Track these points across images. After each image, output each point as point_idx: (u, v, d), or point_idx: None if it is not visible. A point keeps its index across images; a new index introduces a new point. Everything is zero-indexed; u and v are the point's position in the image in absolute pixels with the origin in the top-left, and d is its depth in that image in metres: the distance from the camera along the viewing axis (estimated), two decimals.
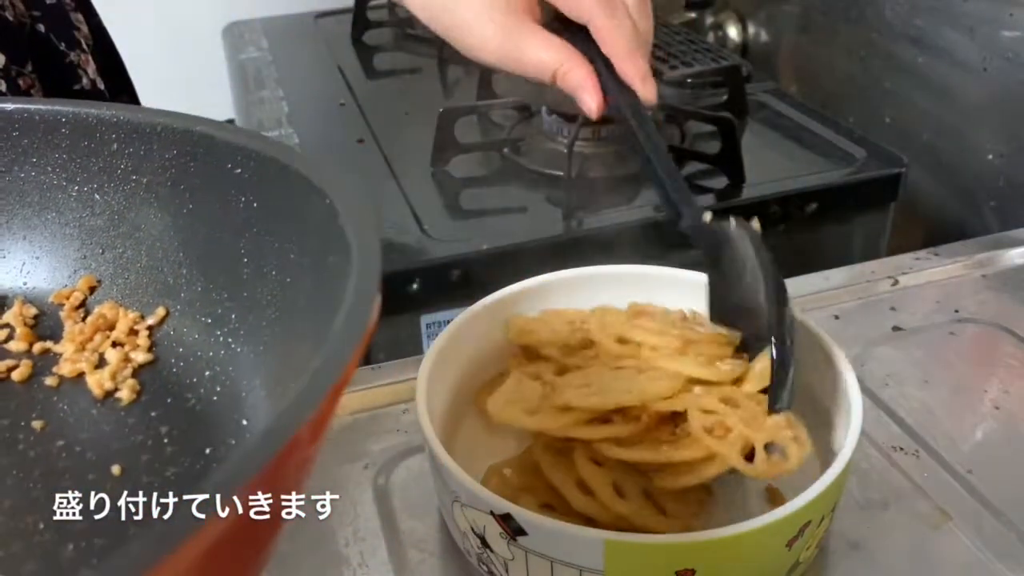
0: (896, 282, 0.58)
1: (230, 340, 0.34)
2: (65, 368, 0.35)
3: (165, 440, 0.32)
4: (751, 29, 1.05)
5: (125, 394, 0.34)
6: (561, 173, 0.68)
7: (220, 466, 0.28)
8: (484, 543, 0.36)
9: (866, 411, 0.38)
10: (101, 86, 0.62)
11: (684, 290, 0.46)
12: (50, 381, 0.35)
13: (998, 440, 0.45)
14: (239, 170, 0.33)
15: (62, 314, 0.37)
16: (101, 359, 0.36)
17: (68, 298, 0.37)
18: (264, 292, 0.32)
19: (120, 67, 0.70)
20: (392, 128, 0.81)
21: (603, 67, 0.46)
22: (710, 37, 1.07)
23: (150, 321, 0.36)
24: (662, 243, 0.66)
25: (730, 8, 1.07)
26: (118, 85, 0.69)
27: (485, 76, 0.84)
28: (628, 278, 0.47)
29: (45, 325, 0.37)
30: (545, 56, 0.45)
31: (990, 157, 0.75)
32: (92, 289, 0.37)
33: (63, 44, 0.60)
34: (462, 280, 0.61)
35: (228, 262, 0.34)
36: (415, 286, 0.61)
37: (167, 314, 0.36)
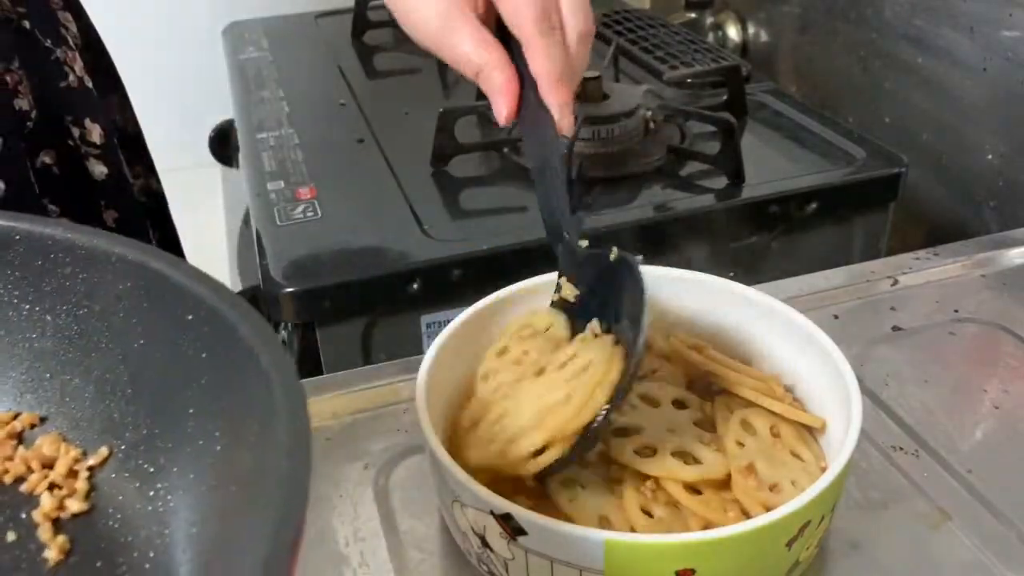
0: (896, 282, 0.58)
1: (169, 497, 0.32)
2: None
3: None
4: (751, 29, 1.06)
5: (52, 554, 0.31)
6: None
7: None
8: (484, 543, 0.36)
9: (866, 411, 0.38)
10: (89, 84, 0.62)
11: (684, 290, 0.46)
12: None
13: (998, 440, 0.45)
14: (190, 317, 0.31)
15: None
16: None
17: (6, 425, 0.35)
18: (207, 452, 0.30)
19: (110, 66, 0.70)
20: (392, 128, 0.81)
21: (530, 84, 0.44)
22: (710, 37, 1.07)
23: (91, 461, 0.34)
24: (662, 243, 0.66)
25: (730, 8, 1.07)
26: (107, 84, 0.69)
27: None
28: None
29: None
30: (472, 53, 0.44)
31: (990, 157, 0.75)
32: (33, 425, 0.35)
33: (49, 41, 0.60)
34: (462, 280, 0.61)
35: (175, 410, 0.32)
36: (415, 286, 0.61)
37: (110, 454, 0.34)
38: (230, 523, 0.28)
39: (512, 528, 0.34)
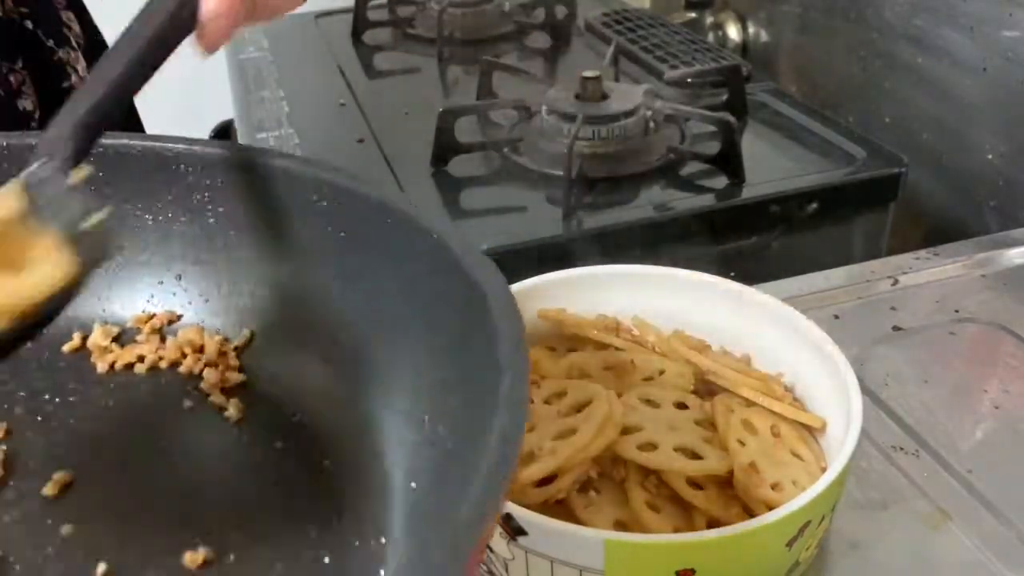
0: (896, 282, 0.58)
1: (321, 357, 0.34)
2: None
3: (283, 453, 0.33)
4: (751, 29, 1.05)
5: (232, 412, 0.35)
6: (561, 173, 0.68)
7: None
8: None
9: (866, 411, 0.38)
10: None
11: (683, 290, 0.46)
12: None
13: (998, 440, 0.45)
14: (324, 203, 0.33)
15: (140, 338, 0.37)
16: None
17: (147, 323, 0.38)
18: (355, 315, 0.33)
19: None
20: (392, 128, 0.81)
21: None
22: (710, 37, 1.07)
23: (236, 342, 0.37)
24: (662, 243, 0.66)
25: (730, 8, 1.07)
26: None
27: (485, 76, 0.84)
28: (628, 278, 0.47)
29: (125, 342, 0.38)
30: None
31: (990, 157, 0.75)
32: (170, 322, 0.38)
33: (51, 41, 0.60)
34: None
35: (319, 291, 0.34)
36: None
37: (253, 336, 0.37)
38: (398, 357, 0.31)
39: (512, 528, 0.34)
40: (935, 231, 0.81)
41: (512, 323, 0.25)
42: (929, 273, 0.58)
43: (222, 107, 0.98)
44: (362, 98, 0.89)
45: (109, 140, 0.36)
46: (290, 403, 0.34)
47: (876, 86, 0.87)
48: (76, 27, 0.64)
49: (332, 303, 0.34)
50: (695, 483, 0.37)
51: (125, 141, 0.37)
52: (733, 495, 0.37)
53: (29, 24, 0.58)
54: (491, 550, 0.36)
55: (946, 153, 0.80)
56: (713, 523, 0.36)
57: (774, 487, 0.37)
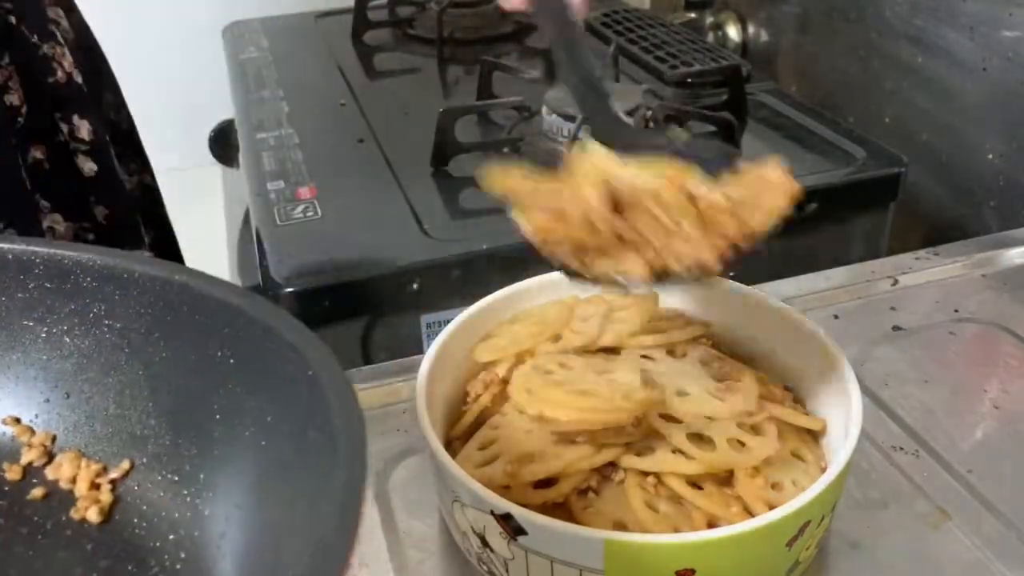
0: (896, 282, 0.58)
1: (197, 501, 0.32)
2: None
3: None
4: (751, 29, 1.05)
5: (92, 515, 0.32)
6: None
7: None
8: (484, 543, 0.36)
9: (866, 411, 0.38)
10: (78, 79, 0.62)
11: (684, 291, 0.46)
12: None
13: (998, 440, 0.45)
14: (218, 323, 0.31)
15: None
16: None
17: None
18: (237, 452, 0.31)
19: (102, 63, 0.70)
20: (392, 128, 0.81)
21: None
22: (710, 37, 1.07)
23: (113, 474, 0.34)
24: None
25: (730, 8, 1.07)
26: (100, 81, 0.69)
27: (485, 76, 0.84)
28: None
29: None
30: None
31: (990, 157, 0.75)
32: (51, 442, 0.35)
33: (35, 36, 0.60)
34: (462, 280, 0.61)
35: (200, 417, 0.32)
36: (415, 286, 0.61)
37: (132, 467, 0.34)
38: (266, 516, 0.28)
39: (512, 528, 0.34)
40: (935, 231, 0.81)
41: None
42: (929, 273, 0.58)
43: (222, 107, 0.98)
44: (362, 98, 0.88)
45: (9, 245, 0.34)
46: (152, 551, 0.32)
47: (876, 86, 0.87)
48: (64, 23, 0.64)
49: (214, 438, 0.32)
50: (694, 483, 0.37)
51: (28, 248, 0.34)
52: (733, 494, 0.37)
53: (12, 19, 0.58)
54: (491, 550, 0.36)
55: (946, 153, 0.80)
56: (713, 523, 0.36)
57: (774, 487, 0.37)
